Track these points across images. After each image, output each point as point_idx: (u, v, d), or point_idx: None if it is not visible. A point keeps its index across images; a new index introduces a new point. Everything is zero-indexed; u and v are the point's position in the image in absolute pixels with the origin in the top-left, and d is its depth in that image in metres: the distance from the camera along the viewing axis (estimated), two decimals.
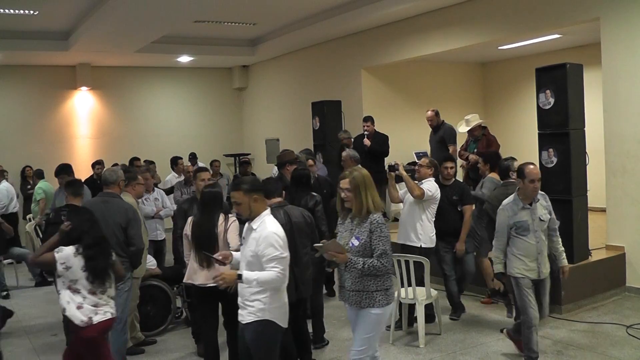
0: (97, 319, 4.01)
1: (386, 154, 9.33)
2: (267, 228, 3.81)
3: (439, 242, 6.19)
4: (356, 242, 3.82)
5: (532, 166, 4.79)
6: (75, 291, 4.02)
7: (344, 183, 3.86)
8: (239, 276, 3.75)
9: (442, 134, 8.77)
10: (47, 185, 9.57)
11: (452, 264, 6.37)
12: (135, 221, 5.24)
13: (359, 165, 4.15)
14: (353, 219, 3.91)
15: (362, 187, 3.82)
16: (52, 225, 5.35)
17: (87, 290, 4.03)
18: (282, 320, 3.91)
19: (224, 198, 5.25)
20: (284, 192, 5.10)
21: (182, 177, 9.35)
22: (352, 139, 9.50)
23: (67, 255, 4.01)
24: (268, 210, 3.98)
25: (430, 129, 9.09)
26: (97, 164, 10.82)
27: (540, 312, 4.85)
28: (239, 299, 3.90)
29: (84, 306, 3.99)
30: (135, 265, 5.30)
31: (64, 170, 7.45)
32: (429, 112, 8.91)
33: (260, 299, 3.78)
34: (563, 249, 5.00)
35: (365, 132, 9.30)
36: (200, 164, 12.09)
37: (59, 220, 4.87)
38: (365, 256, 3.77)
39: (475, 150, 7.92)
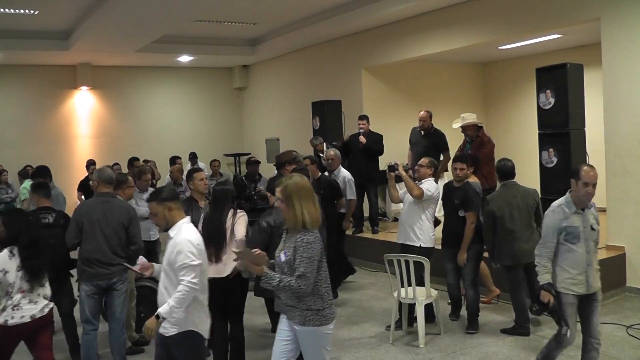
0: (12, 322, 4.10)
1: (381, 152, 9.28)
2: (181, 235, 3.70)
3: (442, 247, 6.12)
4: (283, 257, 3.54)
5: (587, 168, 4.26)
6: (7, 293, 4.12)
7: (278, 191, 3.57)
8: (158, 317, 3.65)
9: (434, 140, 8.50)
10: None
11: (454, 271, 6.18)
12: (137, 220, 5.31)
13: (298, 173, 3.86)
14: (289, 231, 3.60)
15: (295, 198, 3.48)
16: None
17: (17, 289, 4.13)
18: (205, 330, 3.83)
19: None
20: None
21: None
22: (324, 143, 9.29)
23: (2, 259, 4.12)
24: (187, 219, 3.86)
25: (420, 130, 8.72)
26: (92, 165, 10.80)
27: (589, 330, 4.37)
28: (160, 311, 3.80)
29: (7, 310, 4.10)
30: (132, 264, 5.29)
31: (40, 173, 7.17)
32: (423, 113, 8.64)
33: (182, 309, 3.69)
34: (599, 267, 4.46)
35: (361, 130, 9.26)
36: (201, 164, 12.13)
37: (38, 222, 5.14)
38: (290, 273, 3.48)
39: (470, 151, 7.76)
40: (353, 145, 9.23)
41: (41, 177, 6.95)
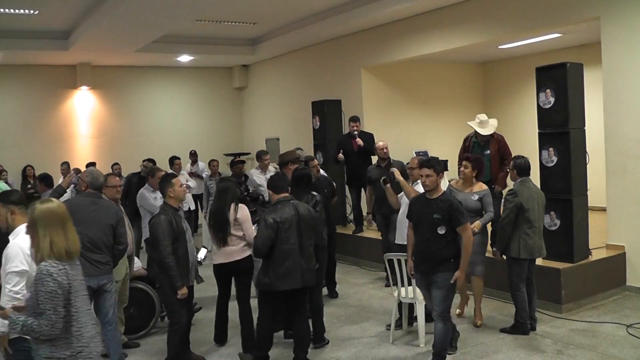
0: None
1: (374, 152, 9.26)
2: (15, 240, 3.53)
3: (414, 271, 5.19)
4: (27, 294, 3.07)
5: None
6: None
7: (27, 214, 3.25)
8: None
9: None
10: (5, 186, 9.29)
11: (429, 299, 5.17)
12: (123, 220, 5.43)
13: (57, 200, 3.44)
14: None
15: (40, 224, 3.04)
16: None
17: None
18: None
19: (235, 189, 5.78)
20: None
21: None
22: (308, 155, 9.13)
23: None
24: None
25: (379, 160, 8.03)
26: (91, 166, 10.79)
27: None
28: None
29: None
30: (116, 263, 5.31)
31: None
32: (384, 143, 7.95)
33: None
34: None
35: (355, 132, 9.21)
36: (200, 164, 12.14)
37: None
38: (35, 314, 2.96)
39: (488, 152, 7.27)
40: (346, 147, 9.19)
41: None
